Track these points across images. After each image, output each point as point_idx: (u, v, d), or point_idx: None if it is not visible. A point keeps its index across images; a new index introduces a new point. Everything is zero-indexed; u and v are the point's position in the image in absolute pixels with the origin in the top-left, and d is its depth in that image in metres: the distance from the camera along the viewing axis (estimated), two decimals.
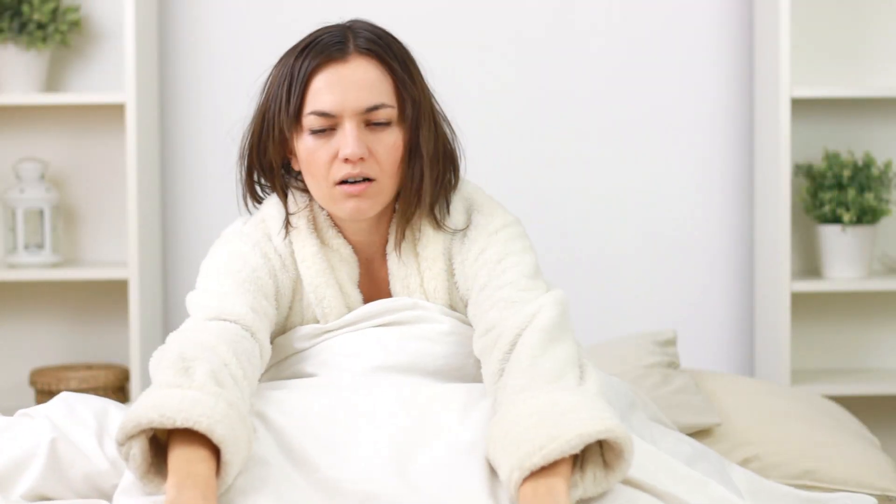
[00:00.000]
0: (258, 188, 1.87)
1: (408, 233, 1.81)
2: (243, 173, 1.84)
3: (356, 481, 1.55)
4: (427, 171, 1.77)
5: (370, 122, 1.74)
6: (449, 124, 1.85)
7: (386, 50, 1.77)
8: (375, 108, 1.73)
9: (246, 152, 1.83)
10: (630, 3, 3.23)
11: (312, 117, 1.74)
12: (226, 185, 3.17)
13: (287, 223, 1.81)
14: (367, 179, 1.74)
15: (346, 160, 1.72)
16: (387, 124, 1.75)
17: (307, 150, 1.75)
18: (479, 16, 3.23)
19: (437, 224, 1.80)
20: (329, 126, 1.74)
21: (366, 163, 1.73)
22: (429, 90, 1.82)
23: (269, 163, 1.81)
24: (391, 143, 1.75)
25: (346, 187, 1.74)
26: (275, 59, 1.81)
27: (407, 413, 1.65)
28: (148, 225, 3.09)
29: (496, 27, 3.23)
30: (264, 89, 1.81)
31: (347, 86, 1.73)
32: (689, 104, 3.24)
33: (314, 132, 1.74)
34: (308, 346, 1.82)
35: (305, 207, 1.83)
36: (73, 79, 3.21)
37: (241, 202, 1.87)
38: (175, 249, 3.23)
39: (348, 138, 1.72)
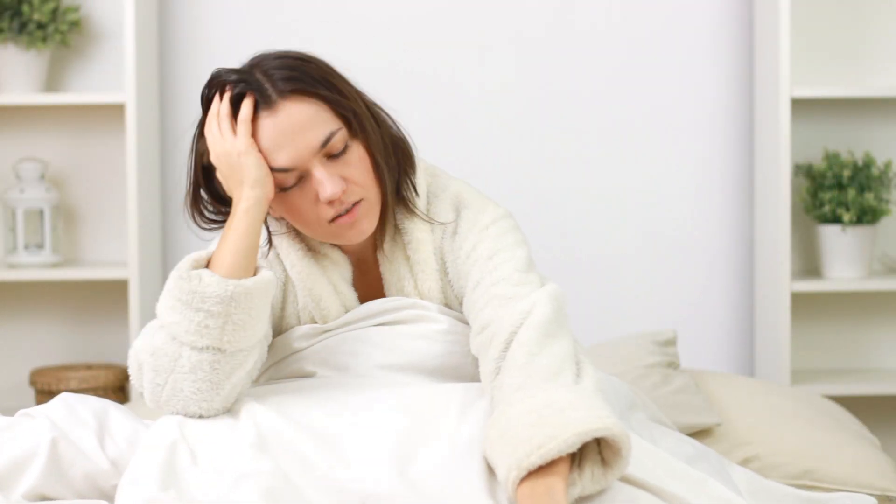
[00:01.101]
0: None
1: (397, 237, 1.81)
2: (195, 215, 1.80)
3: (355, 480, 1.55)
4: (385, 170, 1.76)
5: (330, 153, 1.72)
6: (381, 109, 1.81)
7: (305, 79, 1.70)
8: (327, 140, 1.70)
9: (191, 201, 1.79)
10: (630, 3, 3.23)
11: (276, 175, 1.71)
12: None
13: (269, 241, 1.82)
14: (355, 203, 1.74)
15: (330, 202, 1.72)
16: (345, 147, 1.72)
17: (286, 203, 1.74)
18: (479, 16, 3.23)
19: (409, 209, 1.79)
20: (297, 177, 1.72)
21: (347, 192, 1.72)
22: (355, 89, 1.77)
23: (217, 199, 1.79)
24: (357, 159, 1.73)
25: (339, 220, 1.74)
26: None
27: (406, 413, 1.65)
28: (148, 225, 3.09)
29: (496, 27, 3.23)
30: (194, 148, 1.77)
31: (292, 134, 1.69)
32: (689, 104, 3.24)
33: (285, 188, 1.73)
34: (307, 345, 1.83)
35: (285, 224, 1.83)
36: (73, 79, 3.21)
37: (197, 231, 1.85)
38: (175, 249, 3.23)
39: (322, 183, 1.70)
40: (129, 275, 3.01)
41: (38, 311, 3.25)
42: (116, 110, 3.19)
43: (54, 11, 3.07)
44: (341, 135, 1.71)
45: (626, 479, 1.56)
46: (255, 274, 1.69)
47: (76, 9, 3.12)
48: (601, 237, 3.24)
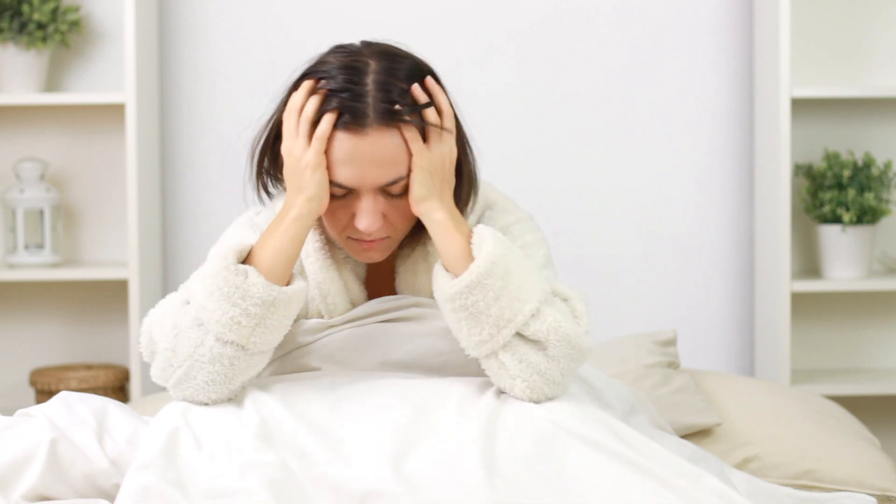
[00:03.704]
0: (269, 181, 1.86)
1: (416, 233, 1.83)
2: (254, 171, 1.82)
3: (354, 477, 1.55)
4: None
5: (387, 191, 1.72)
6: (470, 147, 1.83)
7: (408, 113, 1.70)
8: (393, 183, 1.71)
9: (257, 156, 1.81)
10: (630, 3, 3.23)
11: (331, 185, 1.72)
12: (226, 184, 3.19)
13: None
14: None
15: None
16: (402, 192, 1.73)
17: None
18: (479, 16, 3.23)
19: None
20: (346, 192, 1.73)
21: (380, 229, 1.73)
22: (455, 122, 1.78)
23: (280, 166, 1.81)
24: (406, 209, 1.74)
25: (359, 242, 1.76)
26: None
27: (406, 409, 1.65)
28: (148, 225, 3.09)
29: (496, 27, 3.23)
30: (277, 109, 1.77)
31: (366, 163, 1.69)
32: (689, 104, 3.24)
33: (332, 196, 1.73)
34: (312, 340, 1.83)
35: None
36: (73, 79, 3.21)
37: (255, 195, 1.86)
38: (175, 249, 3.23)
39: (365, 212, 1.71)
40: (129, 275, 3.01)
41: (38, 311, 3.25)
42: (116, 110, 3.19)
43: (54, 11, 3.07)
44: (405, 182, 1.72)
45: (617, 457, 1.57)
46: (288, 281, 1.71)
47: (76, 9, 3.12)
48: (601, 237, 3.24)
